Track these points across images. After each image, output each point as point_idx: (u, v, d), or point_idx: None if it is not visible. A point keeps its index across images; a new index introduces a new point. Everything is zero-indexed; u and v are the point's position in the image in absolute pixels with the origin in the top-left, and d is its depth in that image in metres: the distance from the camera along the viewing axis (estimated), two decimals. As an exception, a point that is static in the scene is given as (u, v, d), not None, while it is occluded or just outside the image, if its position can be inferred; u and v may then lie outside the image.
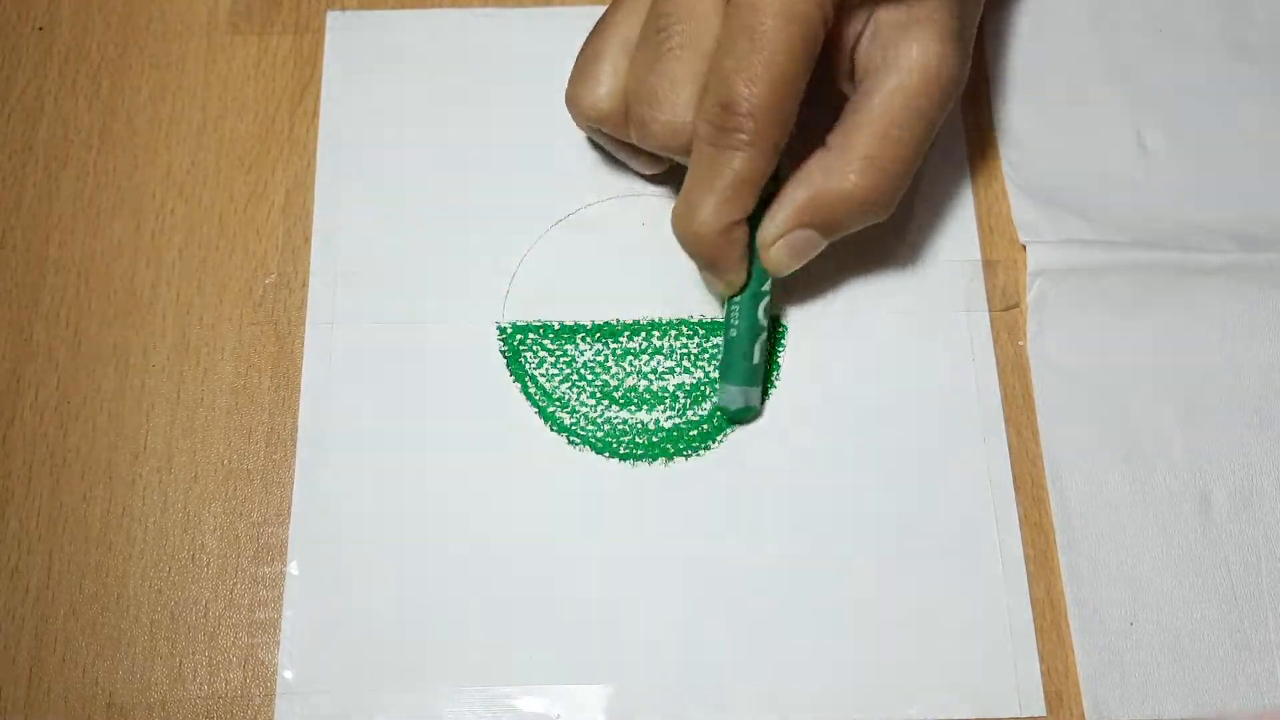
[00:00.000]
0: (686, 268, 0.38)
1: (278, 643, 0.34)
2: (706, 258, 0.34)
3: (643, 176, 0.39)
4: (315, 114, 0.40)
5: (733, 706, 0.34)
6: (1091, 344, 0.37)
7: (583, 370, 0.37)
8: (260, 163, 0.39)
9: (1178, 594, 0.35)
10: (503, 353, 0.37)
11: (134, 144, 0.40)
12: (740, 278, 0.35)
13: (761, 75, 0.31)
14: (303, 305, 0.38)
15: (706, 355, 0.37)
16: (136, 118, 0.40)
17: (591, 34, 0.36)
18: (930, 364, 0.37)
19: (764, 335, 0.35)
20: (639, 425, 0.36)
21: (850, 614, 0.34)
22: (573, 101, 0.36)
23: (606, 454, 0.36)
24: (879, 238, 0.38)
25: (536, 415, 0.37)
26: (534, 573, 0.35)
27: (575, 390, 0.37)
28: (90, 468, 0.36)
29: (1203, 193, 0.39)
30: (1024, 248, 0.38)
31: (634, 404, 0.37)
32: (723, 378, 0.36)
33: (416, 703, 0.33)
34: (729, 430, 0.36)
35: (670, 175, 0.38)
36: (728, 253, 0.34)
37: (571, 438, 0.36)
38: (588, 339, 0.37)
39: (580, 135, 0.39)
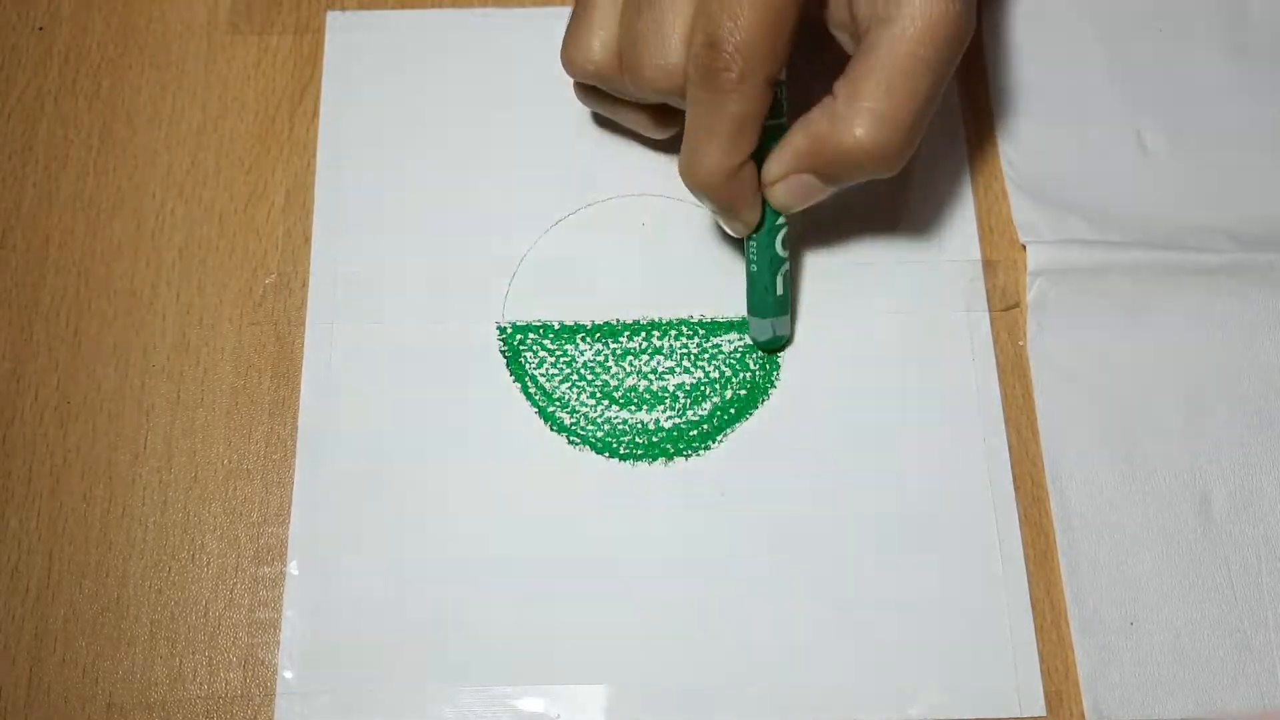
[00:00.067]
0: (686, 268, 0.38)
1: (278, 643, 0.34)
2: (719, 202, 0.34)
3: (640, 173, 0.39)
4: (315, 114, 0.40)
5: (732, 706, 0.34)
6: (1091, 344, 0.37)
7: (583, 370, 0.37)
8: (260, 163, 0.39)
9: (1178, 594, 0.35)
10: (503, 353, 0.37)
11: (134, 144, 0.40)
12: (755, 215, 0.34)
13: (746, 11, 0.31)
14: (303, 305, 0.38)
15: (706, 355, 0.37)
16: (136, 118, 0.40)
17: None
18: (930, 364, 0.37)
19: (785, 266, 0.35)
20: (639, 425, 0.36)
21: (850, 614, 0.34)
22: (567, 58, 0.35)
23: (606, 454, 0.36)
24: (879, 237, 0.38)
25: (536, 415, 0.37)
26: (534, 572, 0.35)
27: (575, 390, 0.37)
28: (90, 468, 0.36)
29: (1203, 193, 0.39)
30: (1024, 248, 0.38)
31: (634, 404, 0.37)
32: (749, 312, 0.36)
33: (416, 703, 0.33)
34: (729, 430, 0.36)
35: (667, 174, 0.38)
36: (739, 194, 0.34)
37: (571, 438, 0.36)
38: (588, 339, 0.37)
39: (581, 135, 0.39)
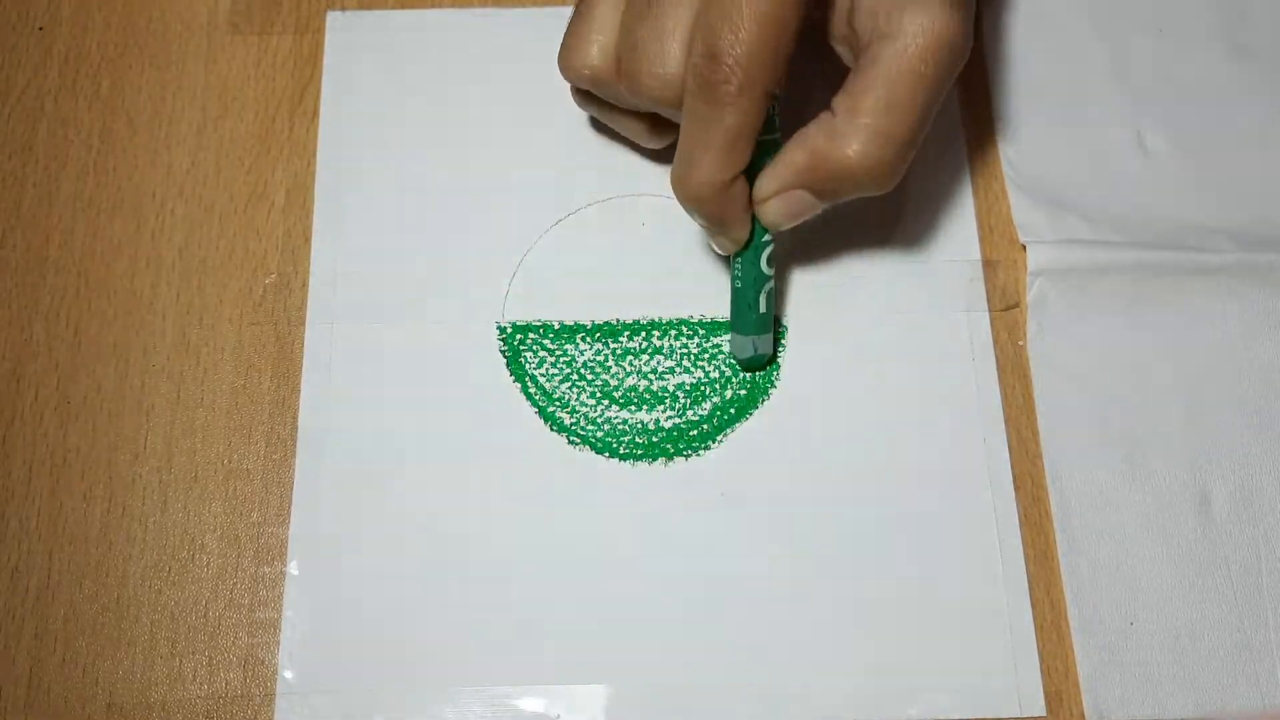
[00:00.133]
0: (686, 268, 0.38)
1: (278, 643, 0.34)
2: (709, 216, 0.34)
3: (640, 173, 0.39)
4: (315, 114, 0.40)
5: (732, 707, 0.34)
6: (1091, 344, 0.37)
7: (583, 370, 0.37)
8: (260, 163, 0.39)
9: (1178, 594, 0.35)
10: (503, 353, 0.37)
11: (134, 144, 0.40)
12: (744, 232, 0.34)
13: (747, 25, 0.30)
14: (303, 305, 0.38)
15: (706, 355, 0.37)
16: (136, 118, 0.40)
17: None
18: (930, 364, 0.37)
19: (769, 284, 0.35)
20: (639, 425, 0.36)
21: (850, 614, 0.34)
22: (564, 62, 0.35)
23: (606, 454, 0.36)
24: (879, 237, 0.38)
25: (536, 415, 0.37)
26: (534, 572, 0.35)
27: (575, 390, 0.37)
28: (90, 468, 0.36)
29: (1203, 193, 0.39)
30: (1024, 248, 0.38)
31: (634, 404, 0.37)
32: (732, 328, 0.36)
33: (416, 703, 0.33)
34: (729, 430, 0.36)
35: (664, 174, 0.38)
36: (729, 208, 0.33)
37: (571, 438, 0.36)
38: (588, 339, 0.37)
39: (581, 134, 0.39)
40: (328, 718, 0.33)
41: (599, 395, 0.37)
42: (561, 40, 0.35)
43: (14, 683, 0.34)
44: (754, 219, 0.34)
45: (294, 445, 0.36)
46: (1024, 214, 0.39)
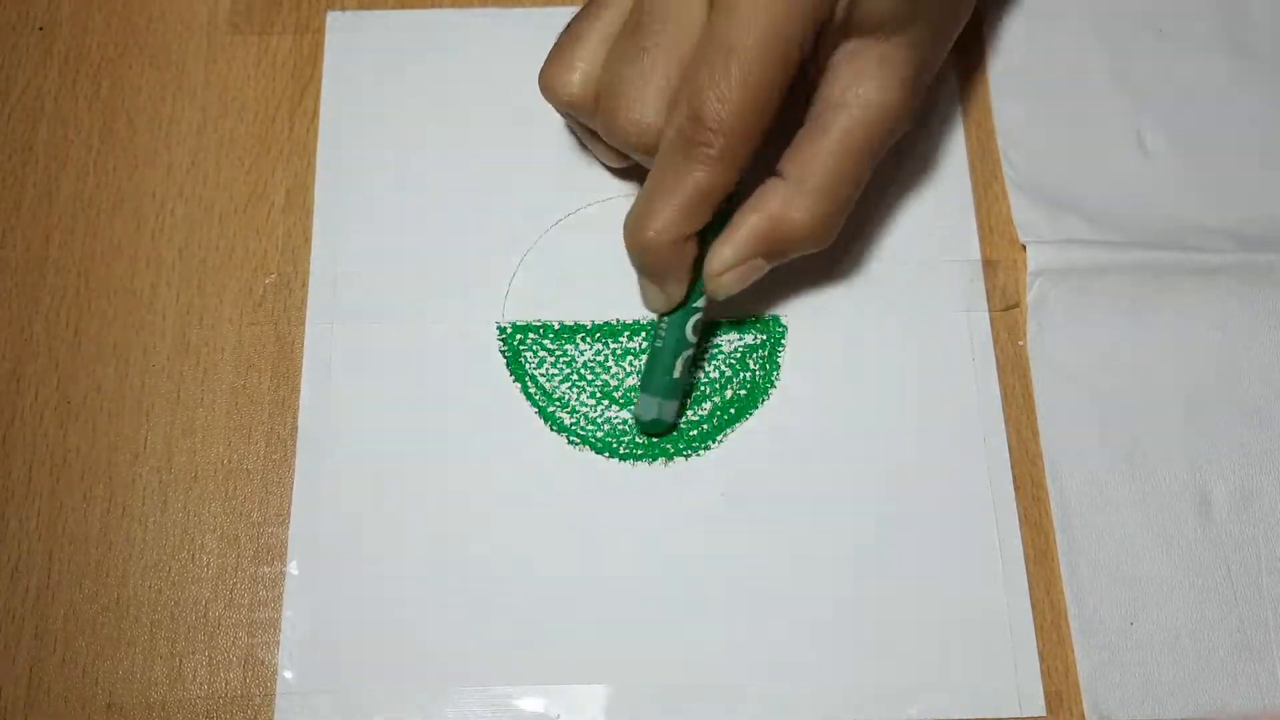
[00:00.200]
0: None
1: (278, 643, 0.34)
2: (653, 267, 0.34)
3: (639, 172, 0.39)
4: (315, 114, 0.40)
5: (732, 706, 0.34)
6: (1091, 344, 0.37)
7: (583, 370, 0.37)
8: (260, 163, 0.39)
9: (1177, 594, 0.35)
10: (503, 353, 0.37)
11: (134, 144, 0.40)
12: (680, 292, 0.34)
13: (736, 94, 0.31)
14: (303, 305, 0.38)
15: (706, 355, 0.37)
16: (136, 118, 0.40)
17: (576, 17, 0.35)
18: (930, 364, 0.37)
19: (689, 352, 0.35)
20: (639, 425, 0.37)
21: (850, 614, 0.34)
22: (545, 84, 0.35)
23: (606, 454, 0.36)
24: (879, 237, 0.38)
25: (536, 415, 0.37)
26: (534, 572, 0.35)
27: (575, 390, 0.37)
28: (90, 468, 0.36)
29: (1203, 193, 0.39)
30: (1024, 248, 0.38)
31: (634, 404, 0.37)
32: (640, 387, 0.36)
33: (416, 703, 0.33)
34: (729, 430, 0.36)
35: (641, 172, 0.38)
36: (675, 265, 0.34)
37: (571, 438, 0.36)
38: (588, 339, 0.37)
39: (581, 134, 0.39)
40: (328, 718, 0.33)
41: (599, 395, 0.37)
42: (545, 60, 0.35)
43: (14, 683, 0.34)
44: (693, 281, 0.34)
45: (294, 445, 0.36)
46: (1024, 214, 0.39)
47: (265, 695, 0.34)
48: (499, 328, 0.37)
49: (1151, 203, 0.39)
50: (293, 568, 0.35)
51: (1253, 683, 0.34)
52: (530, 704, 0.34)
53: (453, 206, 0.39)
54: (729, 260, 0.34)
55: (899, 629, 0.34)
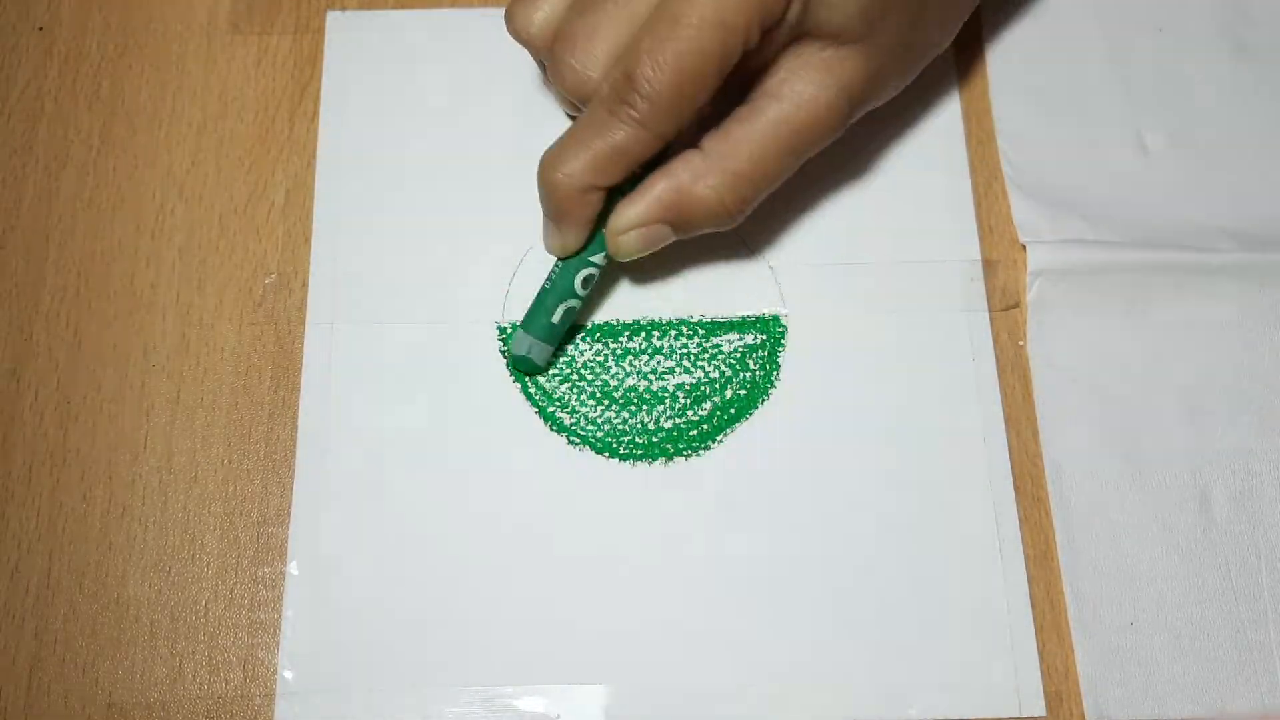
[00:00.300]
0: (687, 268, 0.38)
1: (278, 643, 0.34)
2: (556, 209, 0.34)
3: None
4: (315, 114, 0.40)
5: (732, 707, 0.34)
6: (1091, 344, 0.37)
7: (583, 370, 0.37)
8: (260, 163, 0.39)
9: (1178, 594, 0.35)
10: (503, 353, 0.37)
11: (134, 144, 0.40)
12: (576, 242, 0.35)
13: (669, 64, 0.31)
14: (303, 305, 0.38)
15: (706, 355, 0.37)
16: (136, 118, 0.40)
17: None
18: (930, 364, 0.37)
19: (572, 303, 0.35)
20: (639, 425, 0.36)
21: (850, 614, 0.34)
22: (511, 18, 0.36)
23: (606, 454, 0.36)
24: (879, 237, 0.38)
25: (536, 415, 0.37)
26: (534, 572, 0.35)
27: (575, 390, 0.37)
28: (90, 468, 0.36)
29: (1203, 193, 0.39)
30: (1024, 248, 0.38)
31: (634, 404, 0.37)
32: (521, 324, 0.36)
33: (416, 703, 0.33)
34: (729, 430, 0.36)
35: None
36: (576, 212, 0.34)
37: (571, 438, 0.36)
38: (588, 339, 0.37)
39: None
40: (328, 718, 0.33)
41: (599, 395, 0.37)
42: None
43: (14, 683, 0.34)
44: (593, 237, 0.35)
45: (294, 445, 0.36)
46: (1024, 214, 0.39)
47: (265, 695, 0.34)
48: (499, 328, 0.37)
49: (1151, 203, 0.39)
50: (293, 568, 0.35)
51: (1253, 683, 0.34)
52: (530, 704, 0.34)
53: (453, 206, 0.39)
54: (631, 220, 0.34)
55: (899, 629, 0.34)
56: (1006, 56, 0.41)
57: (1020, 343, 0.38)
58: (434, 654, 0.34)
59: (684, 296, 0.38)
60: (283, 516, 0.35)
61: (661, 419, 0.37)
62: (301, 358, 0.37)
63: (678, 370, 0.37)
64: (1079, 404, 0.37)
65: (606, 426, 0.36)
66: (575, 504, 0.35)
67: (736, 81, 0.34)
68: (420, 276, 0.38)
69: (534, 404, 0.37)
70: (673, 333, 0.38)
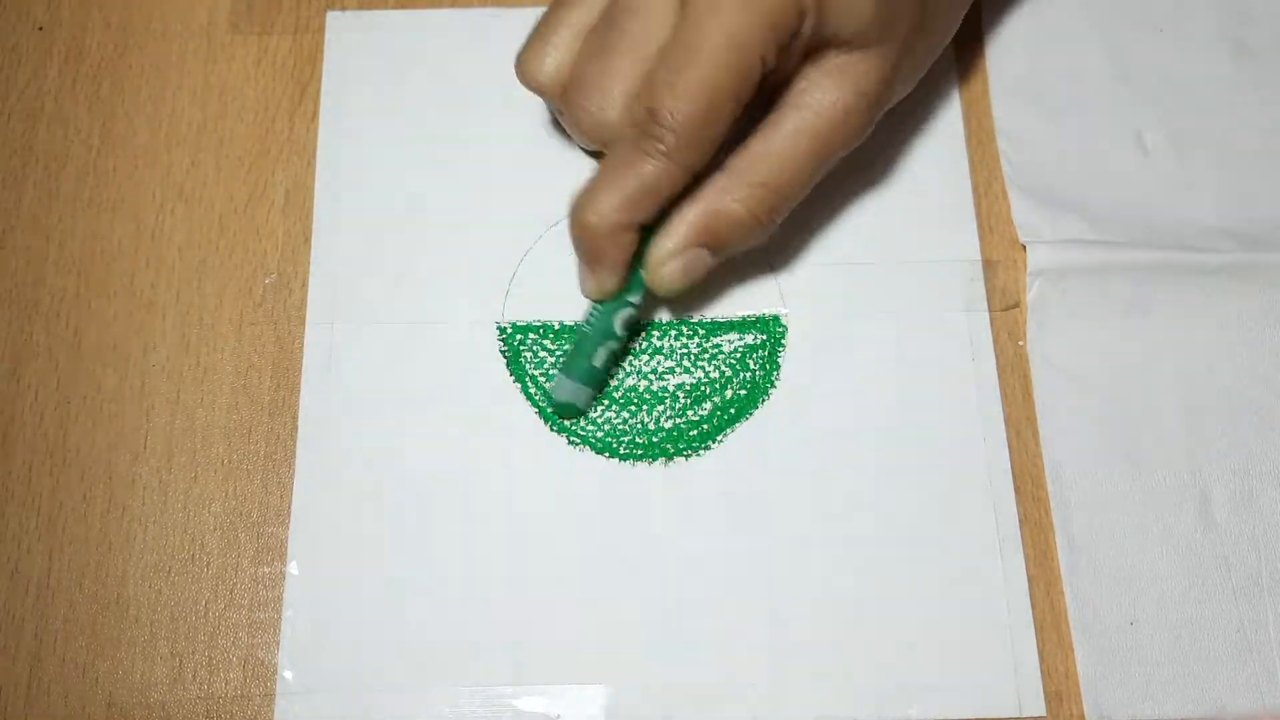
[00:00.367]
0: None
1: (278, 643, 0.34)
2: (589, 252, 0.34)
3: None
4: (315, 114, 0.40)
5: (732, 706, 0.34)
6: (1091, 343, 0.37)
7: (583, 370, 0.37)
8: (260, 163, 0.39)
9: (1178, 594, 0.35)
10: (503, 353, 0.37)
11: (134, 144, 0.40)
12: (612, 284, 0.35)
13: (692, 94, 0.31)
14: (303, 305, 0.38)
15: (706, 355, 0.37)
16: (136, 118, 0.40)
17: (554, 4, 0.36)
18: (930, 364, 0.37)
19: (614, 344, 0.36)
20: (639, 425, 0.36)
21: (850, 614, 0.34)
22: (520, 66, 0.36)
23: (606, 454, 0.36)
24: (880, 237, 0.38)
25: (536, 415, 0.37)
26: (534, 573, 0.35)
27: (575, 390, 0.37)
28: (90, 468, 0.36)
29: (1203, 193, 0.39)
30: (1024, 248, 0.38)
31: (634, 404, 0.37)
32: (561, 369, 0.36)
33: (416, 703, 0.33)
34: (729, 430, 0.36)
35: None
36: (612, 254, 0.34)
37: (571, 438, 0.36)
38: (588, 339, 0.37)
39: (580, 135, 0.39)
40: (328, 718, 0.33)
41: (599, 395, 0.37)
42: (526, 39, 0.36)
43: (14, 683, 0.34)
44: (628, 275, 0.34)
45: (294, 445, 0.36)
46: (1024, 214, 0.39)
47: (265, 695, 0.34)
48: (499, 328, 0.37)
49: (1151, 203, 0.39)
50: (293, 568, 0.35)
51: (1253, 683, 0.34)
52: (530, 704, 0.34)
53: (453, 206, 0.39)
54: (669, 250, 0.34)
55: (899, 629, 0.34)
56: (1006, 56, 0.41)
57: (1020, 343, 0.38)
58: (434, 654, 0.34)
59: (684, 297, 0.38)
60: (283, 516, 0.35)
61: (661, 419, 0.37)
62: (301, 358, 0.37)
63: (678, 370, 0.37)
64: (1079, 404, 0.37)
65: (606, 426, 0.36)
66: (575, 504, 0.35)
67: (757, 102, 0.33)
68: (420, 276, 0.38)
69: (534, 404, 0.37)
70: (673, 333, 0.38)
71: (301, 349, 0.37)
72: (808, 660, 0.34)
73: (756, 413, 0.37)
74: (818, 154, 0.34)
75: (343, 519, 0.35)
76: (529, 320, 0.38)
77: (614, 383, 0.37)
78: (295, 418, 0.36)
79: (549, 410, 0.36)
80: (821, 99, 0.34)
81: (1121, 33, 0.41)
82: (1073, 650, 0.34)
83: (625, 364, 0.37)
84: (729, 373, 0.37)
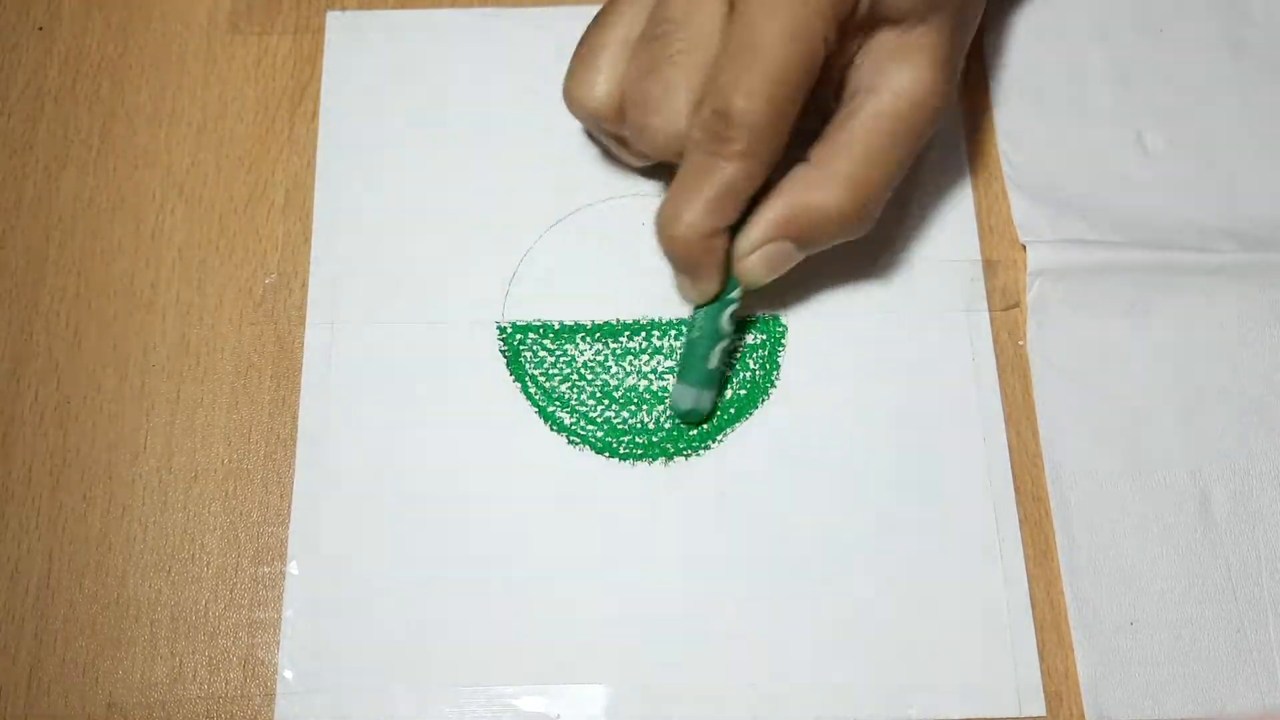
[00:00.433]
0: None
1: (278, 643, 0.34)
2: (685, 264, 0.34)
3: (640, 173, 0.39)
4: (315, 114, 0.40)
5: (732, 706, 0.34)
6: (1091, 344, 0.37)
7: (583, 370, 0.37)
8: (260, 163, 0.39)
9: (1178, 594, 0.35)
10: (503, 353, 0.37)
11: (134, 144, 0.40)
12: (714, 287, 0.35)
13: (760, 90, 0.31)
14: (303, 305, 0.38)
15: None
16: (136, 118, 0.40)
17: (591, 27, 0.35)
18: (930, 364, 0.37)
19: (725, 342, 0.35)
20: (639, 425, 0.36)
21: (849, 614, 0.34)
22: (570, 97, 0.36)
23: (606, 454, 0.36)
24: (879, 238, 0.38)
25: (536, 415, 0.37)
26: (534, 572, 0.35)
27: (575, 390, 0.37)
28: (90, 468, 0.36)
29: (1203, 193, 0.39)
30: (1024, 248, 0.38)
31: (634, 404, 0.37)
32: (677, 376, 0.36)
33: (416, 702, 0.33)
34: (729, 430, 0.36)
35: (666, 172, 0.38)
36: (706, 260, 0.34)
37: (571, 438, 0.36)
38: (588, 339, 0.37)
39: (580, 136, 0.39)
40: (328, 718, 0.33)
41: (599, 395, 0.37)
42: (568, 72, 0.36)
43: (14, 683, 0.34)
44: (726, 275, 0.35)
45: (294, 445, 0.36)
46: (1024, 214, 0.39)
47: (265, 695, 0.34)
48: (499, 328, 0.37)
49: (1151, 203, 0.39)
50: (293, 568, 0.35)
51: (1253, 683, 0.34)
52: (530, 704, 0.34)
53: (453, 206, 0.39)
54: (749, 244, 0.34)
55: (899, 629, 0.34)
56: (1006, 56, 0.41)
57: (1020, 343, 0.38)
58: (434, 654, 0.34)
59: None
60: (283, 516, 0.35)
61: (661, 419, 0.37)
62: (301, 358, 0.37)
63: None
64: (1079, 404, 0.37)
65: (606, 426, 0.36)
66: (575, 504, 0.35)
67: (821, 91, 0.33)
68: (420, 276, 0.38)
69: (534, 404, 0.37)
70: (672, 333, 0.38)
71: (301, 349, 0.37)
72: (808, 660, 0.34)
73: (756, 413, 0.37)
74: (903, 137, 0.34)
75: (343, 519, 0.35)
76: (529, 320, 0.38)
77: (614, 382, 0.37)
78: (295, 418, 0.36)
79: (548, 410, 0.36)
80: (900, 79, 0.33)
81: (1121, 33, 0.41)
82: (1073, 650, 0.34)
83: (625, 363, 0.37)
84: (729, 373, 0.37)
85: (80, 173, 0.39)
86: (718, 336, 0.35)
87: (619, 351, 0.37)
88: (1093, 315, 0.37)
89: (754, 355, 0.37)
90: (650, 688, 0.34)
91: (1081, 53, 0.41)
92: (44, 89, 0.40)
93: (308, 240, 0.38)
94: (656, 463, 0.36)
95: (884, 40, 0.33)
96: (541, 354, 0.37)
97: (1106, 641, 0.34)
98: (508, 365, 0.37)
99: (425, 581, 0.35)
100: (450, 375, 0.37)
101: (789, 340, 0.37)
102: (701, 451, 0.36)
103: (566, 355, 0.37)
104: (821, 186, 0.33)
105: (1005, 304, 0.38)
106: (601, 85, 0.35)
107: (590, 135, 0.39)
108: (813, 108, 0.33)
